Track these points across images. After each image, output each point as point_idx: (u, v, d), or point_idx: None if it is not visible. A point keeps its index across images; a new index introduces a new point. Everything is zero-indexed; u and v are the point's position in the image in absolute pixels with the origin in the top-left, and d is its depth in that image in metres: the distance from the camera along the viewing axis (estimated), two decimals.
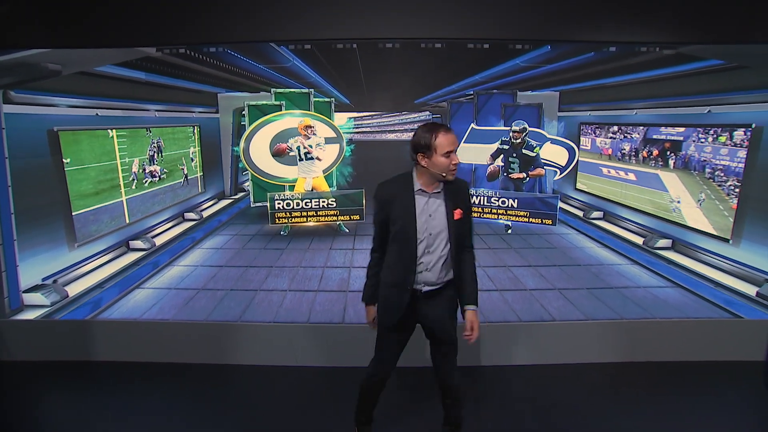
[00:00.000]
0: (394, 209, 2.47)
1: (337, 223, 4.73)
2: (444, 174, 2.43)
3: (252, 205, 4.69)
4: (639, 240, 4.59)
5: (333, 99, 4.58)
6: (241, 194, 5.10)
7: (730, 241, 4.08)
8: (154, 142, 4.67)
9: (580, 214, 4.89)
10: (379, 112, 4.68)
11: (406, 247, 2.49)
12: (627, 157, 4.71)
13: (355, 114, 4.63)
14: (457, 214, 2.50)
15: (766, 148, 3.83)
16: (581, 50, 4.15)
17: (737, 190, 4.01)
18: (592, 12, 3.64)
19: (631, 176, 4.71)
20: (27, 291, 4.01)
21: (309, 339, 3.90)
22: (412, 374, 3.41)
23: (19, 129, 3.89)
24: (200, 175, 5.10)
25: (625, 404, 3.40)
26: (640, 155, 4.64)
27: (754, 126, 3.86)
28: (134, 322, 3.99)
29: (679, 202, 4.43)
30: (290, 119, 4.53)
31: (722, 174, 4.11)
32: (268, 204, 4.49)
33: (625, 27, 3.67)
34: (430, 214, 2.49)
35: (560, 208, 4.45)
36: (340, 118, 4.63)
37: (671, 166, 4.46)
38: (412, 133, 2.49)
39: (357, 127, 4.67)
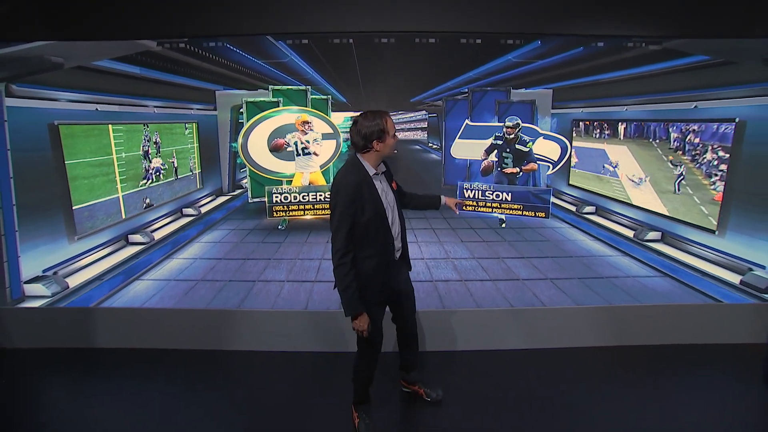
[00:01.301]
0: (365, 196, 2.66)
1: None
2: (395, 151, 2.79)
3: (250, 201, 4.84)
4: (630, 233, 4.78)
5: (330, 96, 4.75)
6: (239, 191, 5.26)
7: (716, 233, 4.28)
8: (147, 136, 4.80)
9: (573, 209, 5.09)
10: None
11: (381, 227, 2.74)
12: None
13: (352, 113, 4.80)
14: (394, 185, 2.91)
15: (749, 142, 4.04)
16: (571, 45, 4.35)
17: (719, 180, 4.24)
18: (582, 6, 3.86)
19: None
20: (28, 282, 4.14)
21: (307, 325, 4.07)
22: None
23: (20, 122, 4.02)
24: (198, 172, 5.25)
25: (611, 387, 3.55)
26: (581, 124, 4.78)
27: (737, 120, 4.07)
28: (134, 310, 4.11)
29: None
30: (288, 115, 4.69)
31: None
32: (266, 198, 4.65)
33: (614, 21, 3.87)
34: (385, 191, 2.80)
35: (554, 203, 4.65)
36: (337, 118, 4.80)
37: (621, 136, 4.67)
38: (355, 125, 2.72)
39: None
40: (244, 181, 4.93)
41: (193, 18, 3.79)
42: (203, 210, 5.23)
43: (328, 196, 4.67)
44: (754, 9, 3.82)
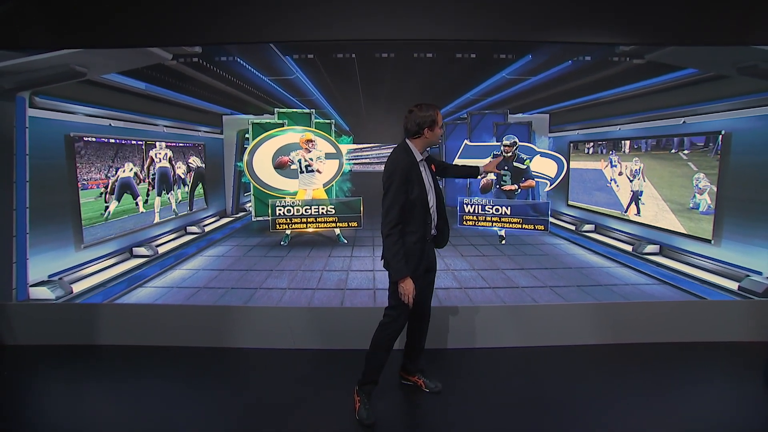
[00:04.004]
0: (413, 176, 3.11)
1: (336, 233, 5.18)
2: (438, 141, 3.30)
3: (253, 219, 5.13)
4: (628, 248, 5.03)
5: (333, 121, 5.13)
6: (242, 213, 5.55)
7: (712, 242, 4.54)
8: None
9: (573, 228, 5.35)
10: (378, 144, 5.21)
11: (422, 206, 3.16)
12: None
13: (354, 146, 5.16)
14: (433, 167, 3.37)
15: (736, 152, 4.37)
16: (560, 58, 4.74)
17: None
18: (569, 15, 4.30)
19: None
20: (33, 285, 4.37)
21: (309, 322, 4.28)
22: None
23: (40, 131, 4.41)
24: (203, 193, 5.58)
25: (609, 384, 3.69)
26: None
27: (723, 132, 4.43)
28: (136, 306, 4.37)
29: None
30: (292, 134, 5.04)
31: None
32: (269, 210, 4.95)
33: (600, 29, 4.30)
34: (427, 175, 3.22)
35: (553, 223, 4.95)
36: (341, 149, 5.17)
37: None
38: (410, 114, 3.18)
39: (356, 159, 5.18)
40: (248, 204, 5.23)
41: (205, 27, 4.23)
42: (207, 229, 5.50)
43: (331, 209, 5.03)
44: (733, 18, 4.25)
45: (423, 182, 3.15)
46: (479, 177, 3.76)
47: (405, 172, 3.06)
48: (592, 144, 5.17)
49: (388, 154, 3.24)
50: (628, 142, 5.02)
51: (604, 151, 5.11)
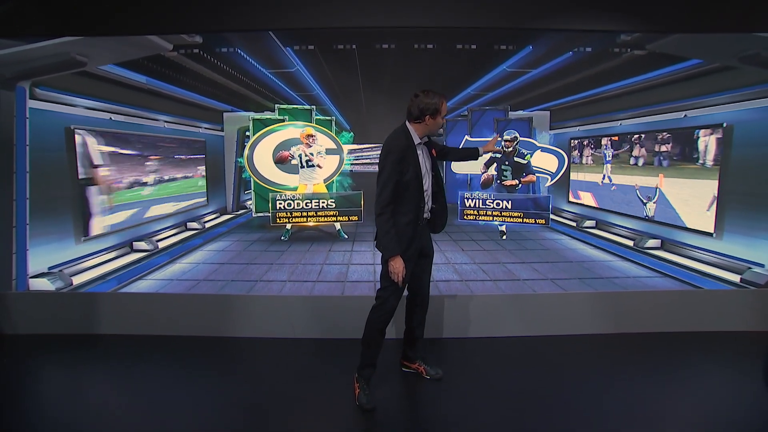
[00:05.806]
0: (408, 158, 3.12)
1: (337, 229, 5.20)
2: (440, 129, 3.33)
3: (254, 215, 5.15)
4: (630, 243, 5.05)
5: (334, 118, 5.17)
6: (242, 211, 5.58)
7: (714, 235, 4.54)
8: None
9: (574, 224, 5.38)
10: (378, 144, 5.21)
11: (416, 188, 3.16)
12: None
13: (355, 146, 5.20)
14: (434, 152, 3.35)
15: (738, 145, 4.38)
16: (560, 49, 4.77)
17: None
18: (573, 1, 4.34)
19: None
20: (33, 277, 4.39)
21: (307, 312, 4.30)
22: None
23: (40, 123, 4.43)
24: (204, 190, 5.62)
25: (609, 374, 3.67)
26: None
27: (725, 125, 4.45)
28: (134, 295, 4.42)
29: None
30: (293, 129, 5.07)
31: None
32: (269, 205, 4.97)
33: (600, 16, 4.32)
34: (424, 159, 3.23)
35: (554, 220, 4.97)
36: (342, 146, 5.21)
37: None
38: (416, 98, 3.16)
39: (357, 159, 5.21)
40: (249, 202, 5.25)
41: (205, 15, 4.25)
42: (207, 225, 5.52)
43: (332, 203, 5.05)
44: (736, 4, 4.27)
45: (419, 165, 3.15)
46: (479, 157, 3.72)
47: (401, 153, 3.07)
48: (639, 155, 5.13)
49: None
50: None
51: (661, 162, 4.97)
